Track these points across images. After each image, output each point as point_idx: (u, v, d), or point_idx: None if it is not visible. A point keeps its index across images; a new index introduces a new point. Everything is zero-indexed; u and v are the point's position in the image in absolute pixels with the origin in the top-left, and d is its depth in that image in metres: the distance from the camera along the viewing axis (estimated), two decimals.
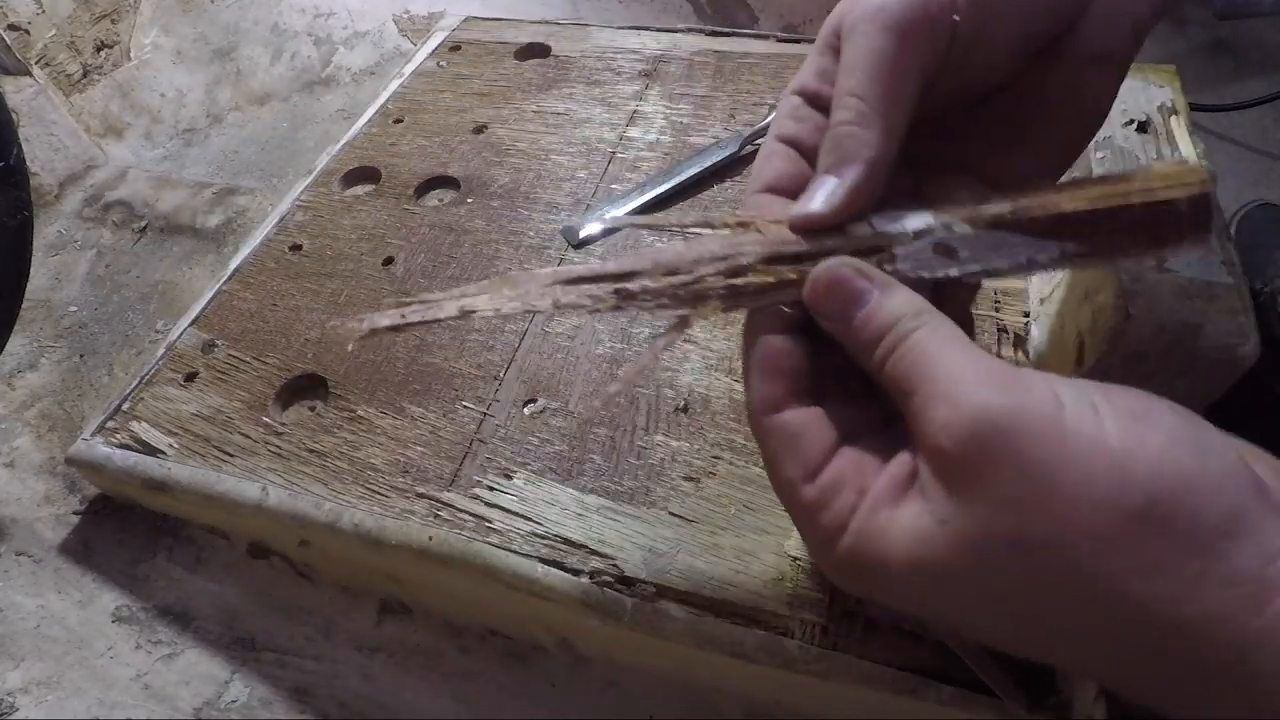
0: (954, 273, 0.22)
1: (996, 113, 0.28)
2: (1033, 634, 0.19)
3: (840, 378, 0.23)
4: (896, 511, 0.20)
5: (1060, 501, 0.17)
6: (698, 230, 0.26)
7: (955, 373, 0.19)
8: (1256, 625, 0.16)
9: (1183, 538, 0.16)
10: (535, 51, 0.62)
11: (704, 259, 0.23)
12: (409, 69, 0.62)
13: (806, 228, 0.24)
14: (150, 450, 0.40)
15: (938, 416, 0.19)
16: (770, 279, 0.23)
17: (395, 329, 0.26)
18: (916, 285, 0.22)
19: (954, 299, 0.25)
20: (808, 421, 0.22)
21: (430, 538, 0.34)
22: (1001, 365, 0.19)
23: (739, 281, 0.23)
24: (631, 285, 0.23)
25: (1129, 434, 0.17)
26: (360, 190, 0.53)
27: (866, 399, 0.23)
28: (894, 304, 0.21)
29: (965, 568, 0.18)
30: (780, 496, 0.23)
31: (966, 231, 0.23)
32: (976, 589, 0.19)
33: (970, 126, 0.28)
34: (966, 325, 0.25)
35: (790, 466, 0.22)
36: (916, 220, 0.23)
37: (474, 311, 0.25)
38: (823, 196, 0.23)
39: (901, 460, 0.21)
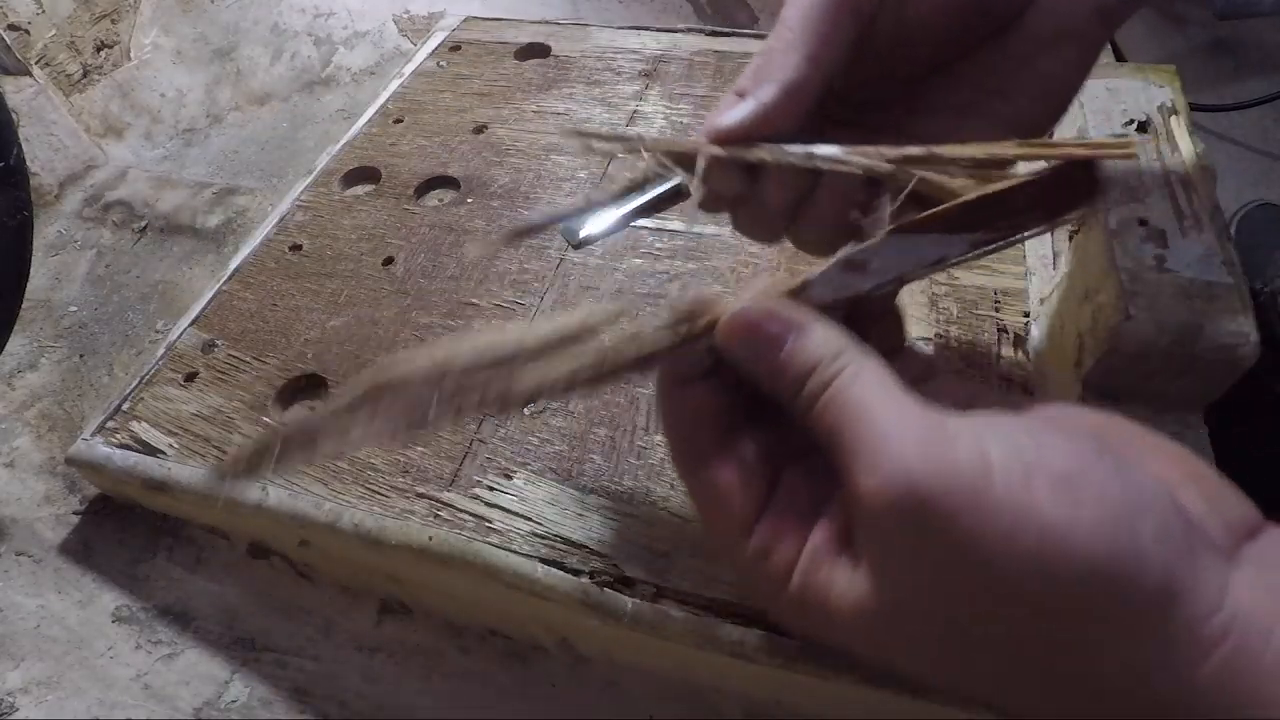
0: (868, 286, 0.22)
1: (954, 85, 0.28)
2: (981, 689, 0.19)
3: (762, 405, 0.23)
4: (836, 570, 0.20)
5: (990, 576, 0.17)
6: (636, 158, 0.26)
7: (880, 432, 0.18)
8: (1198, 681, 0.16)
9: (1117, 612, 0.16)
10: (535, 51, 0.62)
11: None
12: (409, 69, 0.62)
13: (717, 140, 0.25)
14: (150, 450, 0.40)
15: (865, 484, 0.18)
16: (680, 331, 0.22)
17: (267, 464, 0.22)
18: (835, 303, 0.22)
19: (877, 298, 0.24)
20: (737, 474, 0.21)
21: (430, 538, 0.34)
22: (927, 418, 0.18)
23: (648, 350, 0.22)
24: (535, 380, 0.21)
25: (1060, 504, 0.17)
26: (360, 190, 0.53)
27: (791, 425, 0.23)
28: (811, 346, 0.20)
29: (904, 630, 0.19)
30: (717, 547, 0.23)
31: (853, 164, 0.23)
32: (918, 647, 0.19)
33: (930, 98, 0.28)
34: (894, 320, 0.25)
35: (724, 523, 0.22)
36: (825, 149, 0.24)
37: (363, 445, 0.22)
38: (734, 111, 0.25)
39: (835, 512, 0.21)
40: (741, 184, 0.26)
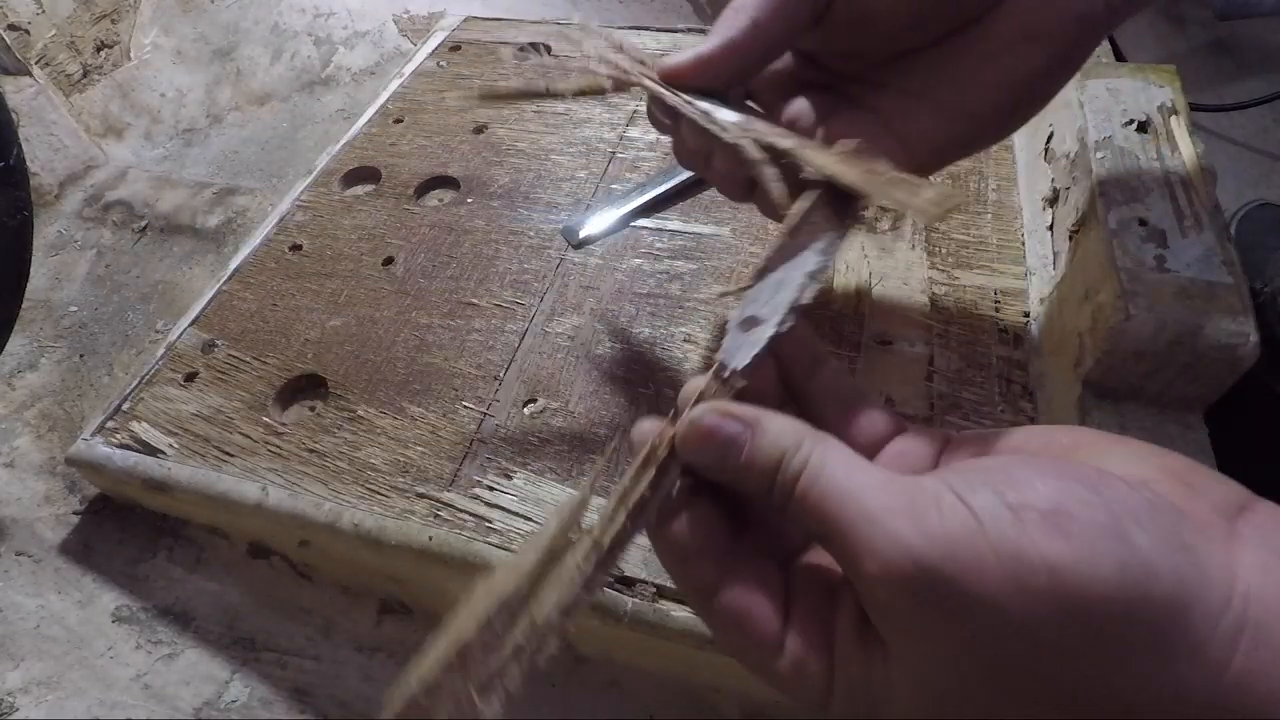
0: (771, 331, 0.22)
1: (913, 70, 0.29)
2: None
3: (751, 507, 0.23)
4: (870, 668, 0.19)
5: (1007, 625, 0.17)
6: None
7: (865, 513, 0.18)
8: (1228, 677, 0.16)
9: (1140, 633, 0.16)
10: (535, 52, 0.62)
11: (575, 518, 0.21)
12: (409, 69, 0.62)
13: (663, 77, 0.30)
14: (150, 450, 0.40)
15: (867, 569, 0.18)
16: (650, 471, 0.21)
17: None
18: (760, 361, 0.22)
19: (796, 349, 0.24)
20: (748, 596, 0.21)
21: (430, 538, 0.34)
22: (904, 486, 0.18)
23: (635, 503, 0.21)
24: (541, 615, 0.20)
25: (1055, 538, 0.16)
26: (360, 190, 0.53)
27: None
28: (771, 440, 0.20)
29: (952, 705, 0.18)
30: (749, 670, 0.22)
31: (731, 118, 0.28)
32: (959, 710, 0.18)
33: (893, 78, 0.30)
34: (840, 375, 0.25)
35: (751, 648, 0.21)
36: (726, 115, 0.28)
37: None
38: (678, 55, 0.29)
39: (848, 601, 0.20)
40: (669, 119, 0.30)
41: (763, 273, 0.24)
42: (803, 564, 0.22)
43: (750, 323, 0.23)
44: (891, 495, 0.18)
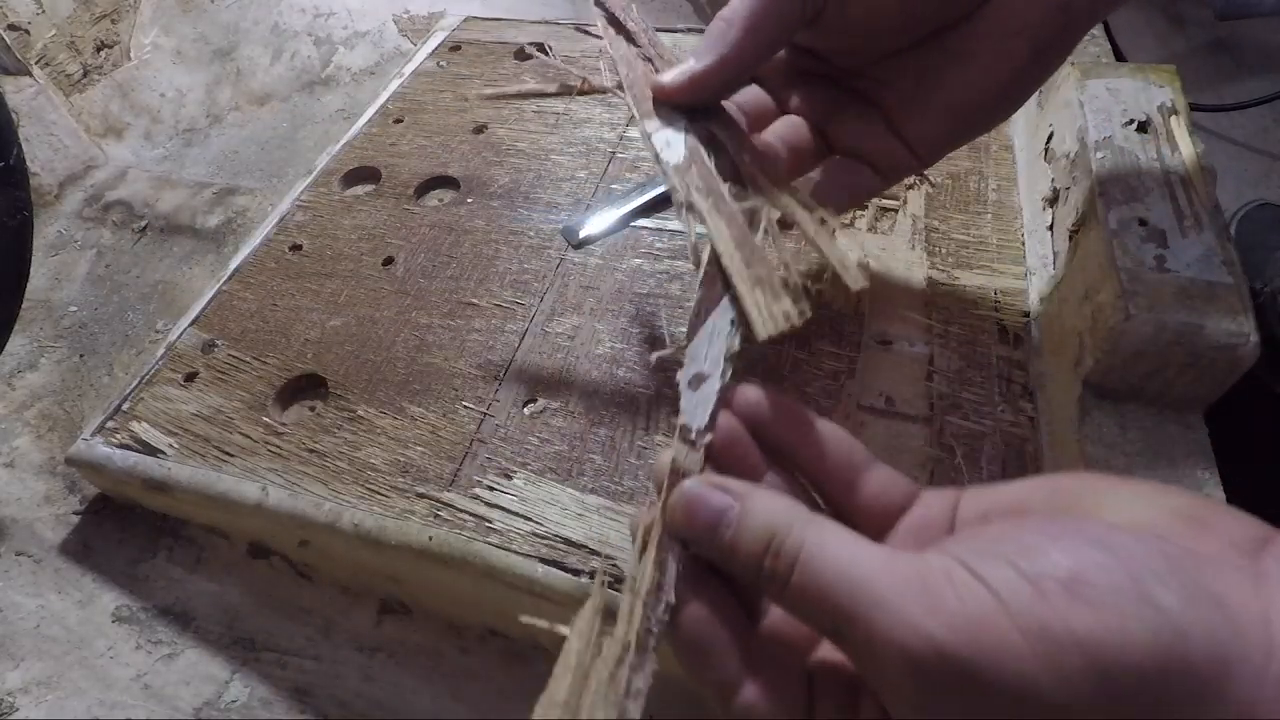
0: (718, 384, 0.23)
1: (904, 70, 0.30)
2: None
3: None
4: None
5: (1047, 709, 0.16)
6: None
7: (875, 600, 0.17)
8: None
9: (1180, 696, 0.15)
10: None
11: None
12: (409, 69, 0.62)
13: (657, 95, 0.30)
14: (150, 450, 0.40)
15: (882, 662, 0.17)
16: (651, 553, 0.21)
17: None
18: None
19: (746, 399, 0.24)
20: (769, 694, 0.20)
21: (430, 538, 0.34)
22: (910, 566, 0.17)
23: (649, 592, 0.20)
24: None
25: (1081, 613, 0.15)
26: (360, 190, 0.53)
27: None
28: (760, 516, 0.19)
29: None
30: None
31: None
32: None
33: (889, 76, 0.30)
34: (786, 408, 0.24)
35: None
36: (674, 155, 0.29)
37: None
38: (672, 73, 0.30)
39: (874, 699, 0.19)
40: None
41: (694, 329, 0.24)
42: (821, 660, 0.21)
43: (698, 379, 0.23)
44: (900, 577, 0.17)
